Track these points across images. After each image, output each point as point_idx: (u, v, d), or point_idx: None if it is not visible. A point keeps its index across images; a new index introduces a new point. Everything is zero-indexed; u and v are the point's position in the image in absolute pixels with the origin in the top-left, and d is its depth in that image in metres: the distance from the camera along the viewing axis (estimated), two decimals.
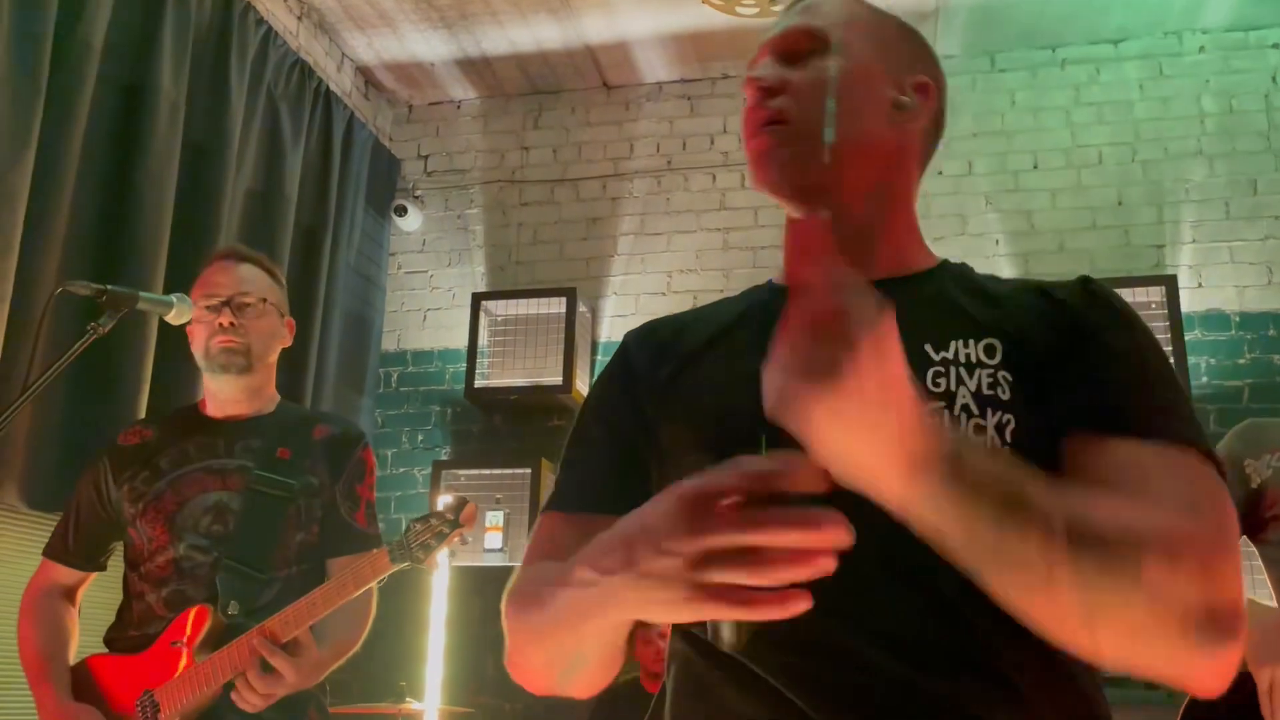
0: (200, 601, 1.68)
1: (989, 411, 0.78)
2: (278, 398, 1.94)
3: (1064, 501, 0.66)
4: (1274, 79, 4.18)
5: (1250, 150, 4.12)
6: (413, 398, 4.61)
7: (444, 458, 4.41)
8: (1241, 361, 3.95)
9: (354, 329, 4.39)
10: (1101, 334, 0.81)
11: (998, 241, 4.24)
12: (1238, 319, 3.99)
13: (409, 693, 3.44)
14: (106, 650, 1.79)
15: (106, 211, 3.02)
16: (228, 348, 1.81)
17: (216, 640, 1.65)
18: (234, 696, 1.60)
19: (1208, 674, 0.68)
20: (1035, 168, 4.29)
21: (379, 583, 1.62)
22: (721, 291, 4.42)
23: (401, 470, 4.47)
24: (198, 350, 1.85)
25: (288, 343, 1.97)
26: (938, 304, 0.87)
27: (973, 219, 4.26)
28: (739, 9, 3.93)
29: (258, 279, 1.89)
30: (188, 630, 1.66)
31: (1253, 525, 1.56)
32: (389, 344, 4.69)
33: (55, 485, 2.84)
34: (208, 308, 1.82)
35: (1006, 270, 4.14)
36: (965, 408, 0.79)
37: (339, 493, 1.82)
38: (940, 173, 4.29)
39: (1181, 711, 1.48)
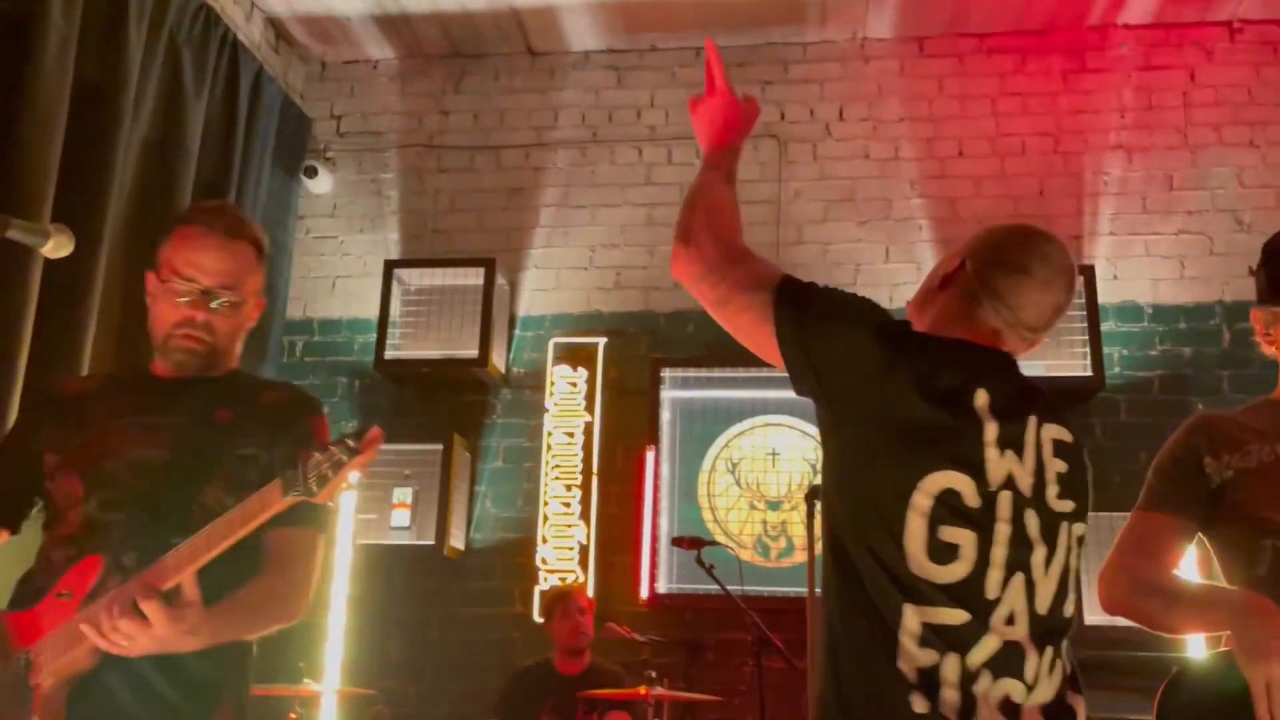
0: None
1: None
2: (234, 367, 1.76)
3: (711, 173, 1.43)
4: (1192, 77, 4.25)
5: (1167, 145, 4.20)
6: (318, 368, 4.42)
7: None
8: (1153, 353, 4.02)
9: None
10: None
11: (921, 227, 4.23)
12: (1150, 311, 4.06)
13: (308, 673, 3.30)
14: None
15: None
16: (190, 348, 1.63)
17: (108, 591, 1.46)
18: (88, 628, 1.41)
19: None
20: (960, 154, 4.30)
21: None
22: (645, 269, 4.34)
23: None
24: (156, 331, 1.66)
25: (253, 324, 1.77)
26: None
27: (898, 203, 4.25)
28: None
29: (246, 266, 1.66)
30: (79, 581, 1.49)
31: (1211, 520, 1.55)
32: (294, 311, 4.48)
33: None
34: (182, 295, 1.62)
35: (928, 256, 4.14)
36: None
37: (278, 461, 1.62)
38: (868, 156, 4.27)
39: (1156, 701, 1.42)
